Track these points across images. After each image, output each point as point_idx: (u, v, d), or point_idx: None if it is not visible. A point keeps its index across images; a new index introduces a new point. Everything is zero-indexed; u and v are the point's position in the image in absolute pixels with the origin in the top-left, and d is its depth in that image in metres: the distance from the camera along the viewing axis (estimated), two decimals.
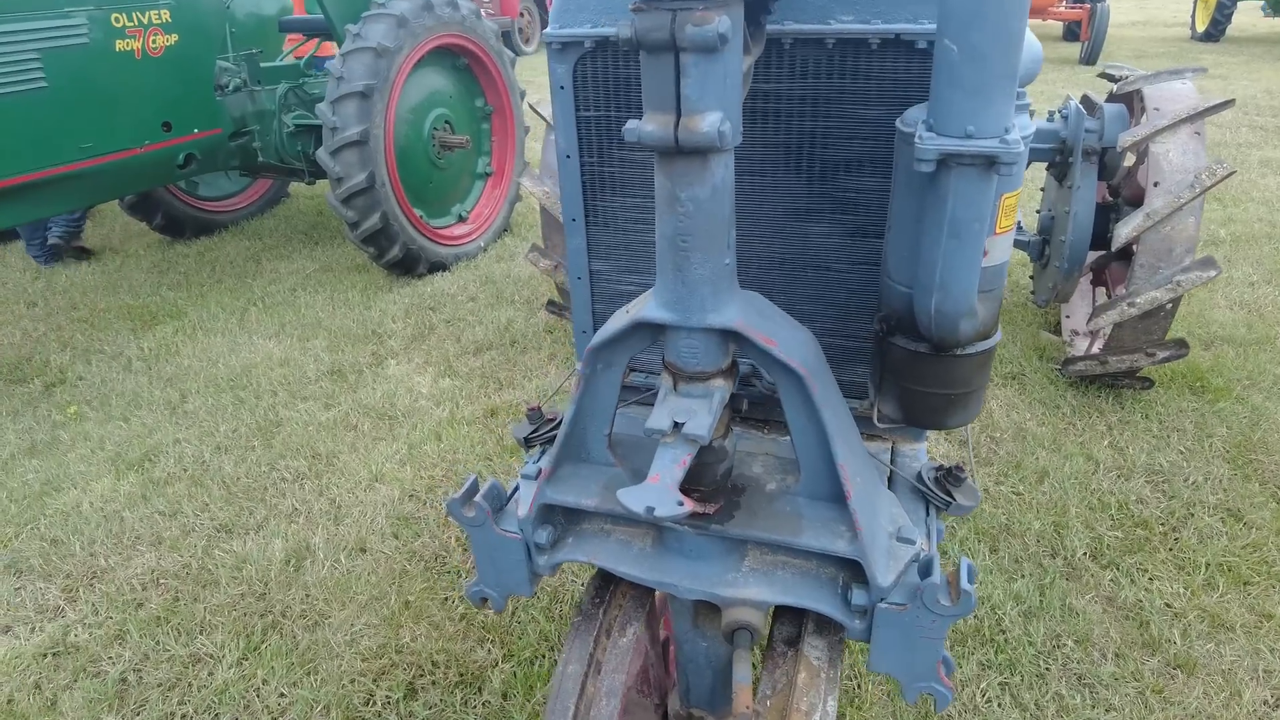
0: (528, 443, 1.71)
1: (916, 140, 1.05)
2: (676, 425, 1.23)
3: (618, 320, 1.30)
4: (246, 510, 3.36)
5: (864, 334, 1.58)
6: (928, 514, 1.49)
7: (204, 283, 5.72)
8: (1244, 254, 5.43)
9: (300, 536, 3.17)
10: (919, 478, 1.51)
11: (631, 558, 1.47)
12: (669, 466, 1.19)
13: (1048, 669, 2.49)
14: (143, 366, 4.57)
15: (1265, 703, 2.36)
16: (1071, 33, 15.14)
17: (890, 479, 1.60)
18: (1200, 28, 14.85)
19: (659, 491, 1.15)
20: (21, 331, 5.08)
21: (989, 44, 0.98)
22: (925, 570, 1.27)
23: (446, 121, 5.47)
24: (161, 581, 3.00)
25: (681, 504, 1.14)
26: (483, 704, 2.46)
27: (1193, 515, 3.08)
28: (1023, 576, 2.80)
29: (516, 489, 1.60)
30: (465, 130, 5.65)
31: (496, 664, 2.57)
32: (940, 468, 1.52)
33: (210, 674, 2.61)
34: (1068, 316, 4.46)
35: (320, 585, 2.93)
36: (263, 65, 5.45)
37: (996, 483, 3.27)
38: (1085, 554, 2.91)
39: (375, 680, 2.56)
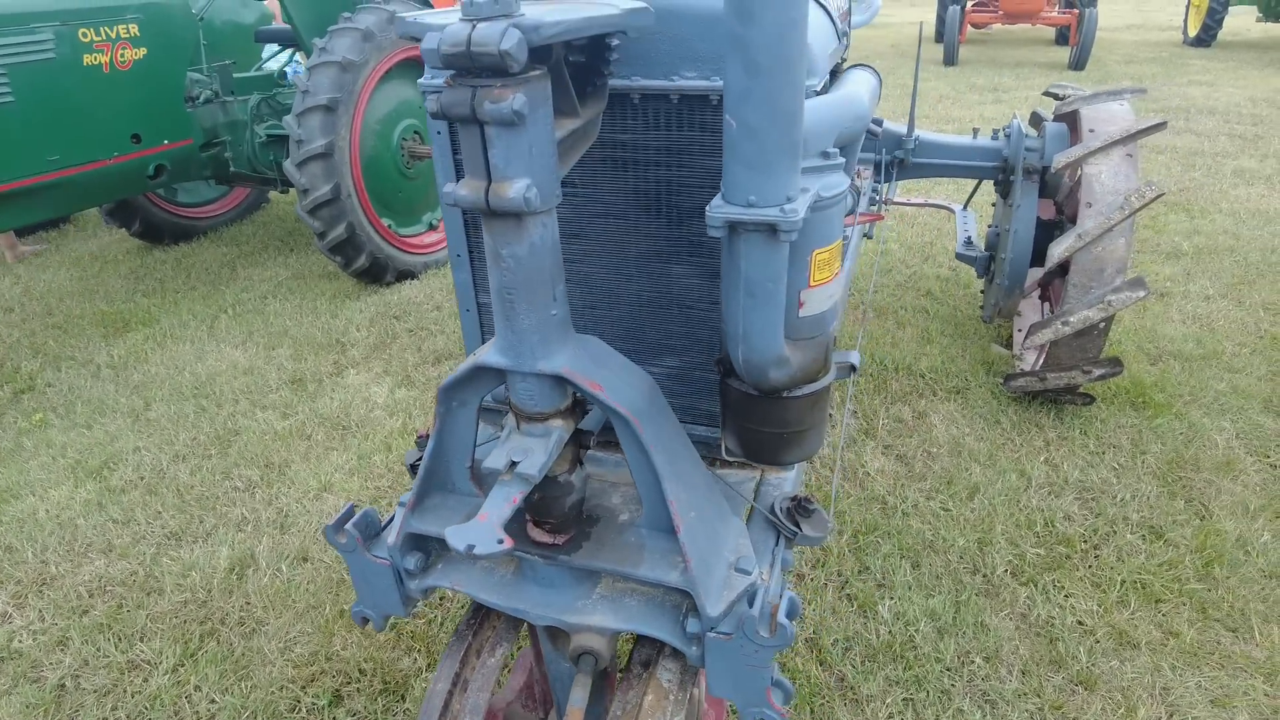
0: (414, 469, 1.78)
1: (708, 208, 1.12)
2: (513, 464, 1.31)
3: (465, 364, 1.38)
4: (197, 519, 3.45)
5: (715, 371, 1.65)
6: (776, 544, 1.56)
7: (178, 289, 5.81)
8: (1204, 267, 5.48)
9: (246, 545, 3.26)
10: (771, 509, 1.58)
11: (493, 585, 1.55)
12: (499, 505, 1.26)
13: (953, 685, 2.56)
14: (111, 374, 4.66)
15: (1158, 719, 2.43)
16: (1063, 37, 15.16)
17: (749, 513, 1.67)
18: (1192, 33, 14.85)
19: (482, 529, 1.22)
20: None
21: (763, 122, 1.05)
22: (750, 601, 1.35)
23: (415, 132, 5.55)
24: (108, 589, 3.09)
25: (501, 542, 1.21)
26: (404, 712, 2.54)
27: (1115, 533, 3.14)
28: (940, 593, 2.87)
29: (394, 517, 1.68)
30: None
31: (420, 673, 2.65)
32: (793, 499, 1.59)
33: (145, 680, 2.69)
34: (1019, 331, 4.52)
35: (260, 593, 3.01)
36: (236, 76, 5.54)
37: (927, 498, 3.34)
38: (1005, 571, 2.98)
39: (303, 687, 2.64)
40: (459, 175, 1.70)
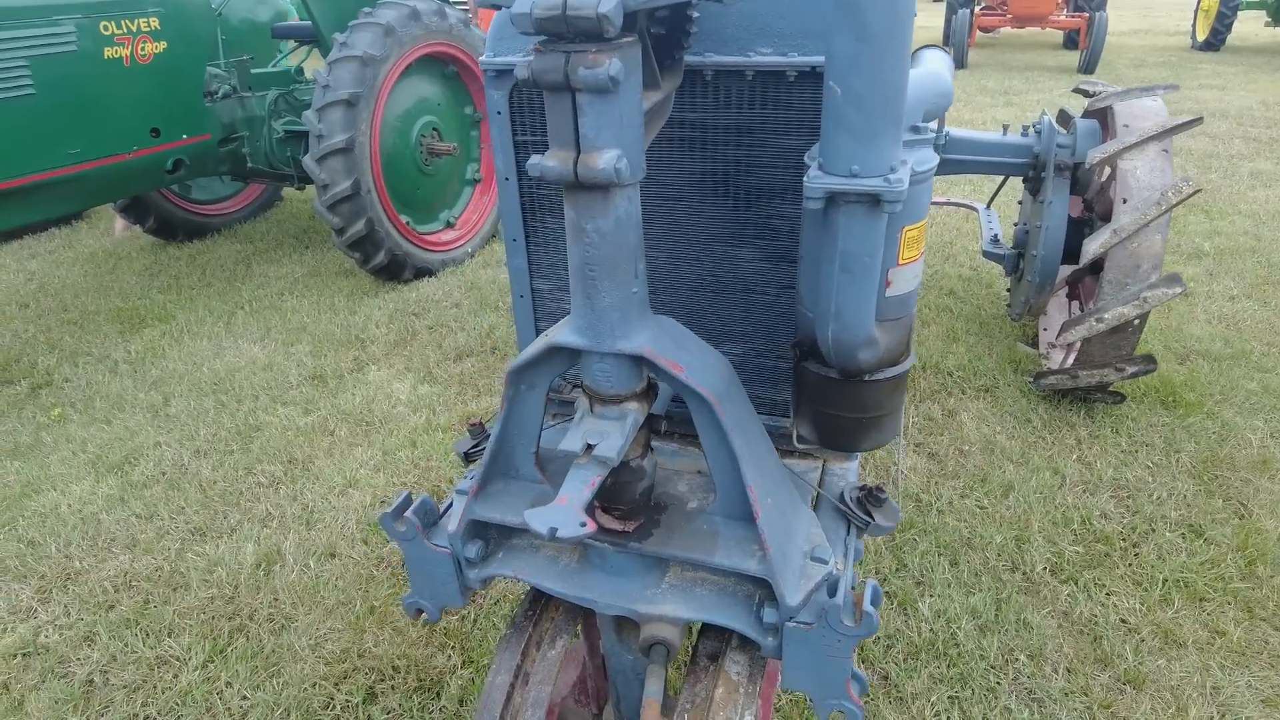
0: (467, 458, 1.75)
1: (805, 179, 1.09)
2: (589, 447, 1.27)
3: (537, 344, 1.34)
4: (221, 514, 3.41)
5: (789, 355, 1.61)
6: (848, 533, 1.52)
7: (193, 286, 5.78)
8: (1226, 267, 5.44)
9: (272, 541, 3.22)
10: (841, 498, 1.54)
11: (557, 573, 1.51)
12: (578, 488, 1.23)
13: (998, 683, 2.52)
14: (128, 369, 4.63)
15: (1210, 719, 2.38)
16: (1072, 41, 15.15)
17: (817, 499, 1.64)
18: (1200, 37, 14.84)
19: (564, 512, 1.19)
20: (11, 333, 5.14)
21: (869, 90, 1.02)
22: (832, 590, 1.31)
23: (434, 129, 5.52)
24: (133, 584, 3.05)
25: (584, 525, 1.18)
26: (440, 709, 2.50)
27: (1154, 531, 3.10)
28: (980, 590, 2.83)
29: (450, 504, 1.64)
30: (454, 137, 5.70)
31: (455, 670, 2.61)
32: (863, 488, 1.55)
33: (175, 676, 2.65)
34: (1045, 330, 4.48)
35: (289, 589, 2.97)
36: (253, 71, 5.51)
37: (962, 496, 3.30)
38: (1045, 569, 2.94)
39: (336, 684, 2.60)
40: (519, 156, 1.67)
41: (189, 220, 6.46)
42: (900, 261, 1.23)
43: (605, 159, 1.08)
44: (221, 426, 4.01)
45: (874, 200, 1.07)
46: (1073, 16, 13.69)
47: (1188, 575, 2.88)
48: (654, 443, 1.74)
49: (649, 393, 1.34)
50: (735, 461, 1.31)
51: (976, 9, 14.47)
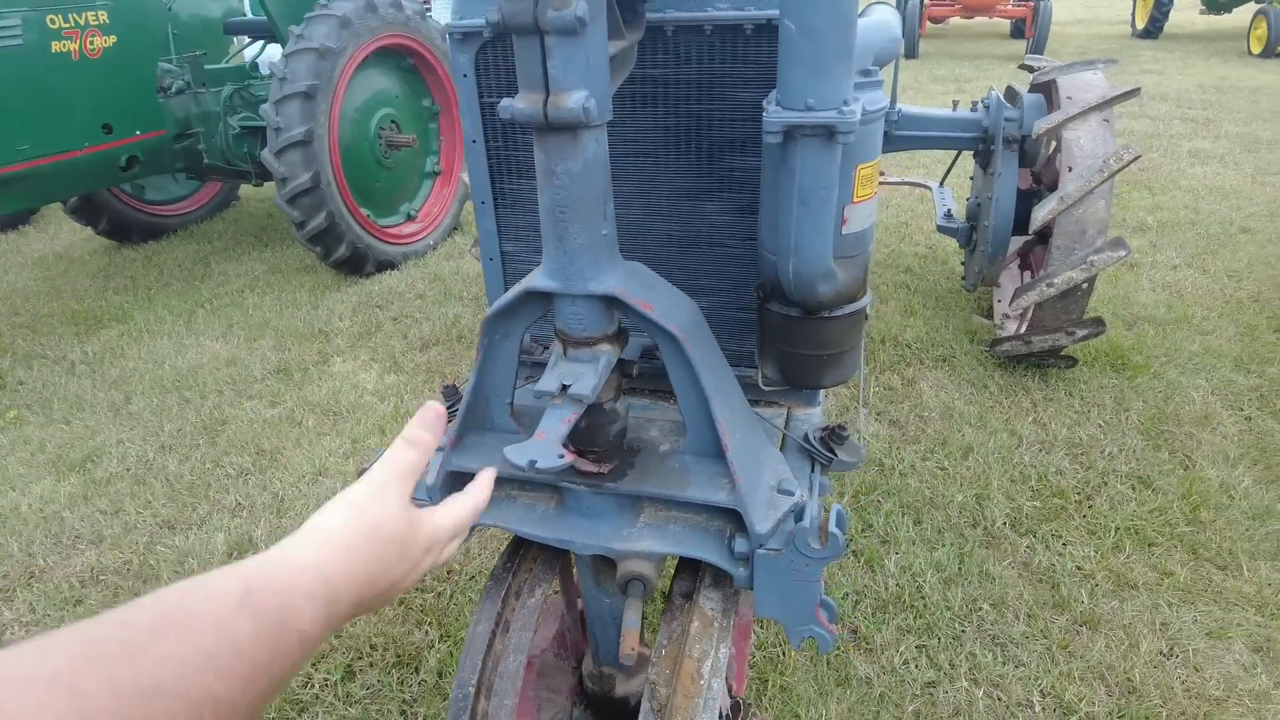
0: None
1: (764, 114, 1.14)
2: (564, 388, 1.32)
3: (511, 292, 1.38)
4: (189, 506, 3.38)
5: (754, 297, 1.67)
6: (813, 470, 1.59)
7: (151, 286, 5.69)
8: (1169, 239, 5.65)
9: (243, 530, 3.21)
10: (805, 438, 1.61)
11: (535, 519, 1.55)
12: (554, 424, 1.27)
13: (963, 631, 2.61)
14: (86, 370, 4.55)
15: (1160, 653, 2.50)
16: (1019, 30, 15.52)
17: (783, 443, 1.70)
18: (1140, 25, 15.31)
19: (542, 446, 1.23)
20: None
21: (822, 22, 1.08)
22: (799, 516, 1.37)
23: (393, 121, 5.50)
24: (101, 578, 3.02)
25: (562, 456, 1.22)
26: (419, 683, 2.52)
27: (1106, 484, 3.23)
28: (944, 546, 2.93)
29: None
30: (412, 129, 5.69)
31: (433, 645, 2.64)
32: (826, 428, 1.62)
33: None
34: (999, 301, 4.62)
35: None
36: (207, 67, 5.44)
37: (923, 459, 3.40)
38: (1004, 523, 3.05)
39: (314, 665, 2.60)
40: (485, 119, 1.70)
41: (143, 221, 6.35)
42: (855, 199, 1.29)
43: (574, 99, 1.13)
44: (186, 422, 3.97)
45: (829, 132, 1.13)
46: (1019, 6, 14.03)
47: (1138, 523, 3.01)
48: (628, 398, 1.80)
49: (620, 335, 1.39)
50: (704, 398, 1.36)
51: (926, 0, 14.76)
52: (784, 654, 2.53)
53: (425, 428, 0.90)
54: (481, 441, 1.56)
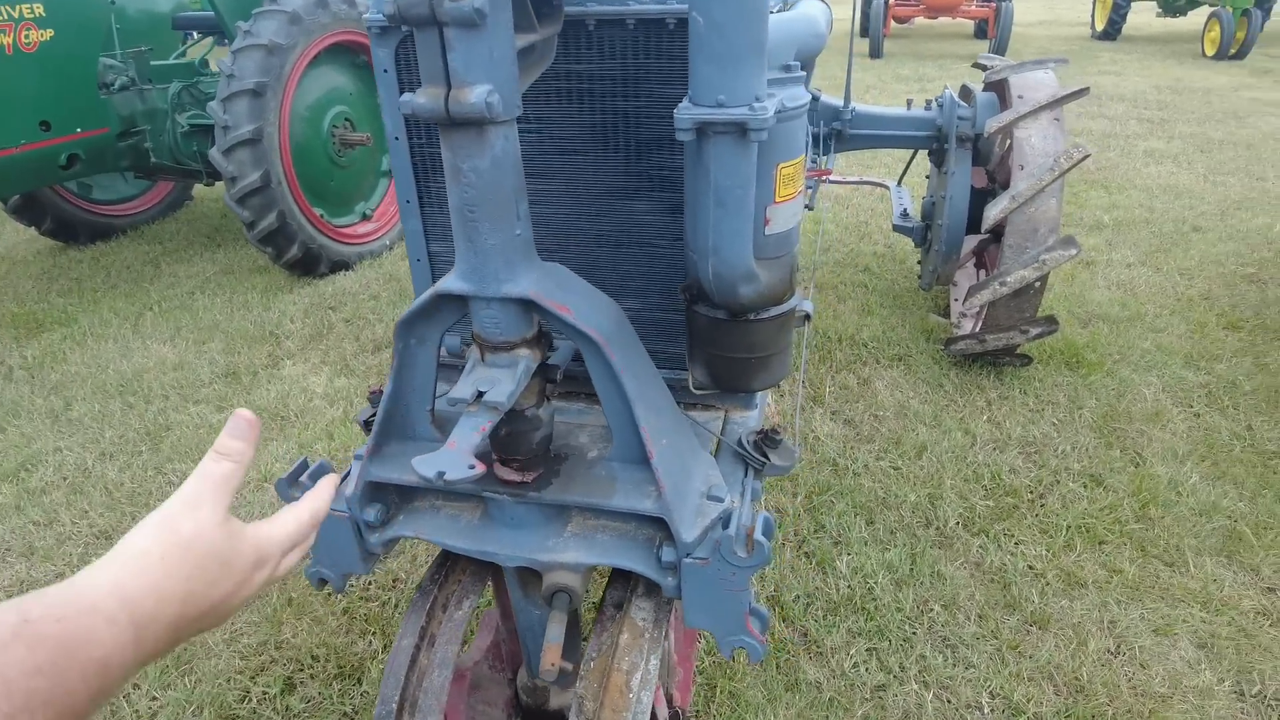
0: (368, 425, 1.71)
1: (675, 111, 1.10)
2: (480, 394, 1.26)
3: (423, 295, 1.33)
4: (129, 515, 3.27)
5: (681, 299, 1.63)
6: (746, 475, 1.55)
7: (97, 288, 5.52)
8: (1124, 237, 5.72)
9: None
10: (739, 442, 1.57)
11: (459, 531, 1.50)
12: (467, 434, 1.22)
13: (914, 633, 2.60)
14: (25, 375, 4.40)
15: (1108, 651, 2.51)
16: (982, 30, 15.69)
17: (718, 447, 1.66)
18: (1099, 27, 15.56)
19: (452, 457, 1.18)
20: None
21: (731, 16, 1.04)
22: (725, 524, 1.33)
23: (347, 119, 5.40)
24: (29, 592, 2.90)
25: (473, 467, 1.17)
26: (361, 694, 2.45)
27: (1059, 482, 3.24)
28: (896, 546, 2.92)
29: (350, 471, 1.61)
30: (367, 128, 5.58)
31: (376, 655, 2.57)
32: (760, 432, 1.58)
33: None
34: (956, 300, 4.64)
35: None
36: (153, 64, 5.29)
37: (877, 459, 3.39)
38: (957, 523, 3.04)
39: (253, 677, 2.52)
40: (407, 118, 1.64)
41: (90, 221, 6.17)
42: (777, 199, 1.25)
43: (476, 94, 1.08)
44: (129, 428, 3.85)
45: (741, 129, 1.10)
46: (981, 6, 14.19)
47: (1089, 521, 3.02)
48: (561, 403, 1.75)
49: (540, 340, 1.34)
50: (628, 403, 1.32)
51: (891, 0, 14.86)
52: (734, 659, 2.50)
53: (237, 437, 0.85)
54: (402, 450, 1.50)
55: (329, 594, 2.81)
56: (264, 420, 3.84)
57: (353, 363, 4.33)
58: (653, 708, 1.55)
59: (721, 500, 1.39)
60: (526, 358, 1.31)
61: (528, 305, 1.27)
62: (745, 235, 1.19)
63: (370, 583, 2.85)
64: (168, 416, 3.93)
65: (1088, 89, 3.65)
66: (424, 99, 1.10)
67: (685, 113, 1.10)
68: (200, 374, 4.30)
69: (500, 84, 1.10)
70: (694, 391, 1.53)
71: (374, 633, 2.65)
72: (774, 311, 1.36)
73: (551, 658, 1.38)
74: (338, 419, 3.82)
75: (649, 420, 1.33)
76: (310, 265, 5.23)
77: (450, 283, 1.27)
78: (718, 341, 1.39)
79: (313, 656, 2.58)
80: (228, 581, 0.77)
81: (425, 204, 1.73)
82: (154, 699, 2.47)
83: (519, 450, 1.40)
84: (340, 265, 5.43)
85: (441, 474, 1.16)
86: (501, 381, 1.27)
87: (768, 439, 1.55)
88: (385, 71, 1.60)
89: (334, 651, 2.59)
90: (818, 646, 2.55)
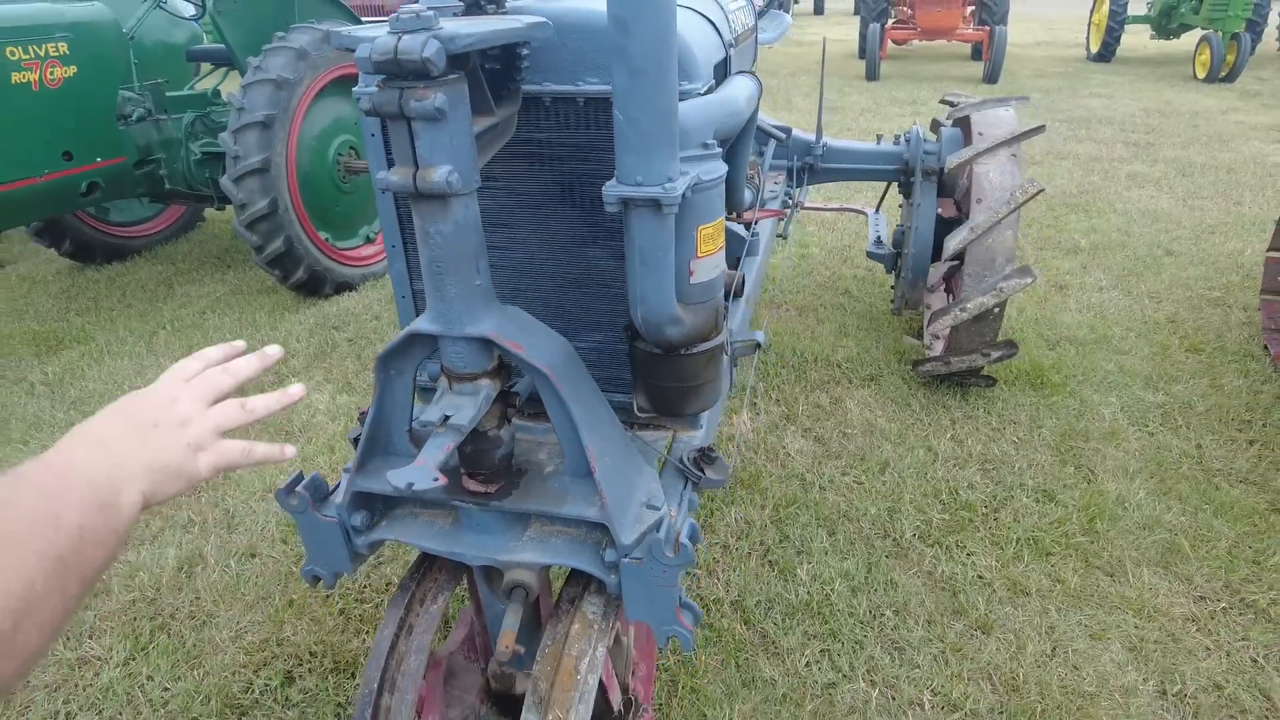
0: (355, 442, 1.95)
1: (604, 188, 1.34)
2: (446, 418, 1.50)
3: (400, 334, 1.56)
4: (143, 523, 3.51)
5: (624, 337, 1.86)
6: (685, 487, 1.78)
7: (113, 307, 5.80)
8: (1099, 261, 5.93)
9: (194, 545, 3.34)
10: (680, 459, 1.80)
11: (433, 535, 1.73)
12: (433, 451, 1.45)
13: (865, 636, 2.80)
14: (46, 390, 4.66)
15: (1044, 653, 2.71)
16: (978, 53, 15.94)
17: (663, 463, 1.89)
18: (1094, 49, 15.81)
19: (420, 471, 1.41)
20: None
21: (645, 116, 1.28)
22: (658, 529, 1.56)
23: (351, 148, 5.67)
24: None
25: (437, 479, 1.40)
26: (354, 687, 2.67)
27: (1013, 497, 3.45)
28: (854, 556, 3.13)
29: (341, 483, 1.84)
30: None
31: (369, 652, 2.78)
32: (699, 449, 1.81)
33: (96, 674, 2.77)
34: (929, 323, 4.85)
35: (210, 589, 3.11)
36: (169, 94, 5.59)
37: (843, 474, 3.60)
38: (913, 535, 3.25)
39: (255, 671, 2.75)
40: (390, 167, 1.89)
41: (107, 242, 6.46)
42: (699, 254, 1.49)
43: (439, 173, 1.31)
44: None
45: (656, 204, 1.33)
46: (976, 30, 14.45)
47: (1038, 534, 3.23)
48: (529, 424, 1.98)
49: (500, 371, 1.57)
50: (574, 427, 1.55)
51: (888, 23, 15.16)
52: (696, 657, 2.71)
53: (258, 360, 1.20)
54: (384, 465, 1.73)
55: (326, 596, 3.04)
56: (268, 435, 4.08)
57: (354, 381, 4.58)
58: (605, 695, 1.78)
59: (659, 509, 1.62)
60: (488, 386, 1.54)
61: (487, 343, 1.51)
62: (667, 287, 1.43)
63: (365, 586, 3.08)
64: None
65: (1043, 127, 3.89)
66: (396, 177, 1.34)
67: (612, 190, 1.34)
68: None
69: (460, 164, 1.34)
70: (638, 415, 1.76)
71: (368, 632, 2.88)
72: (702, 347, 1.59)
73: (506, 641, 1.61)
74: (338, 433, 4.06)
75: (593, 441, 1.55)
76: (315, 287, 5.49)
77: (422, 324, 1.50)
78: (655, 373, 1.62)
79: (311, 653, 2.80)
80: (154, 399, 1.01)
81: (409, 248, 1.97)
82: (166, 689, 2.69)
83: (483, 465, 1.63)
84: (344, 286, 5.69)
85: (410, 485, 1.39)
86: (464, 407, 1.51)
87: (705, 456, 1.78)
88: (373, 136, 1.84)
89: (331, 649, 2.81)
90: (775, 647, 2.76)
